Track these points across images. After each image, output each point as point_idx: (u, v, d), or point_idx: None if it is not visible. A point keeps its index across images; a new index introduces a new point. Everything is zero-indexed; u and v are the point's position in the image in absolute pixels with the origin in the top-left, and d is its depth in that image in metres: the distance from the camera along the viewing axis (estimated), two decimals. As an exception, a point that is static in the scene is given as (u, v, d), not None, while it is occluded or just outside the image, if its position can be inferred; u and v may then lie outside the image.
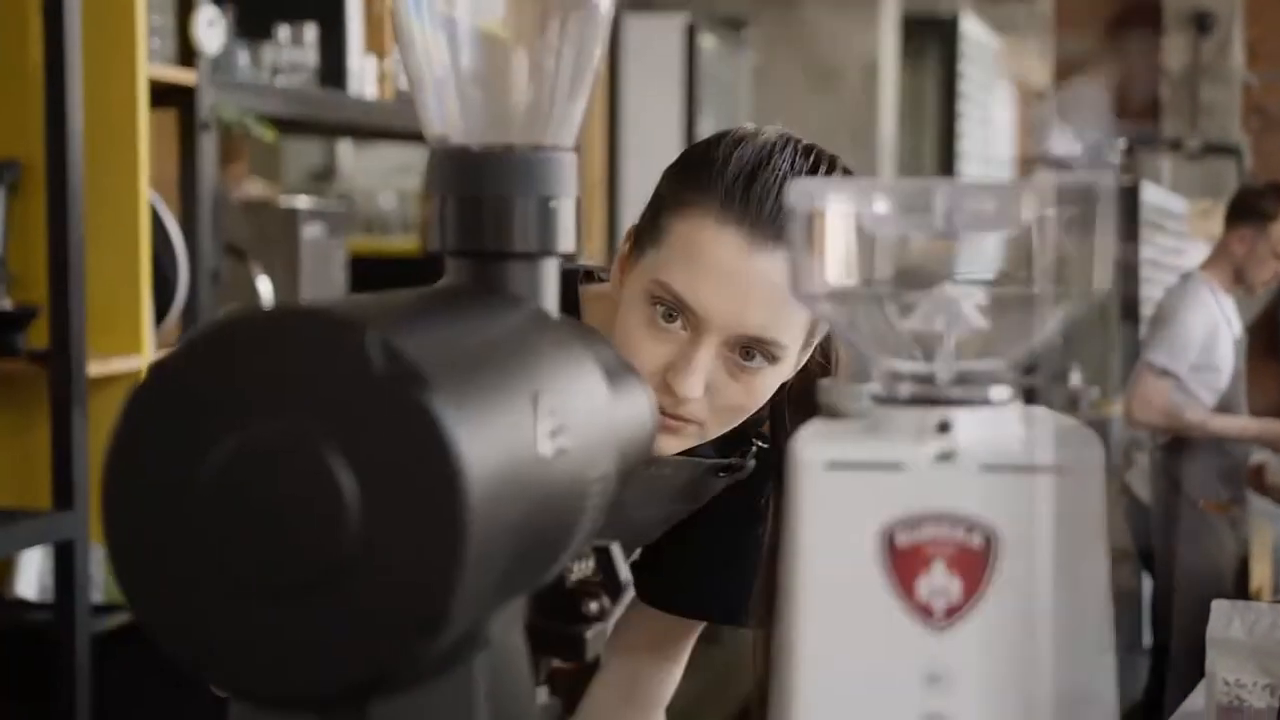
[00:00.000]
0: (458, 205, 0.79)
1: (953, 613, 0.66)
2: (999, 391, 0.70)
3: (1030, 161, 9.09)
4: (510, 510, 0.63)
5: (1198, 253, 8.27)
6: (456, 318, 0.70)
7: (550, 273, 0.81)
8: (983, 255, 0.71)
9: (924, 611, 0.67)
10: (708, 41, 4.88)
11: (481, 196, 0.79)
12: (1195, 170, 8.29)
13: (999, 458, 0.67)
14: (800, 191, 0.70)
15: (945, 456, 0.67)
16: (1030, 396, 0.72)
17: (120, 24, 2.43)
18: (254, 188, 3.44)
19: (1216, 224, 8.33)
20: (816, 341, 1.31)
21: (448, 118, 0.81)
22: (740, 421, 1.29)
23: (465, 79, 0.80)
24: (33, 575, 2.51)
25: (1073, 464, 0.67)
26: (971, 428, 0.68)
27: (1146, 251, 6.81)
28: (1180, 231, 7.61)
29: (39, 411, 2.37)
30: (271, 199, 3.16)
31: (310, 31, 2.98)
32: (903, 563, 0.67)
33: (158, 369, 0.62)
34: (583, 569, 0.85)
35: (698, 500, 1.42)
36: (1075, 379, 6.23)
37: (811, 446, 0.68)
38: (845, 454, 0.68)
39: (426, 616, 0.60)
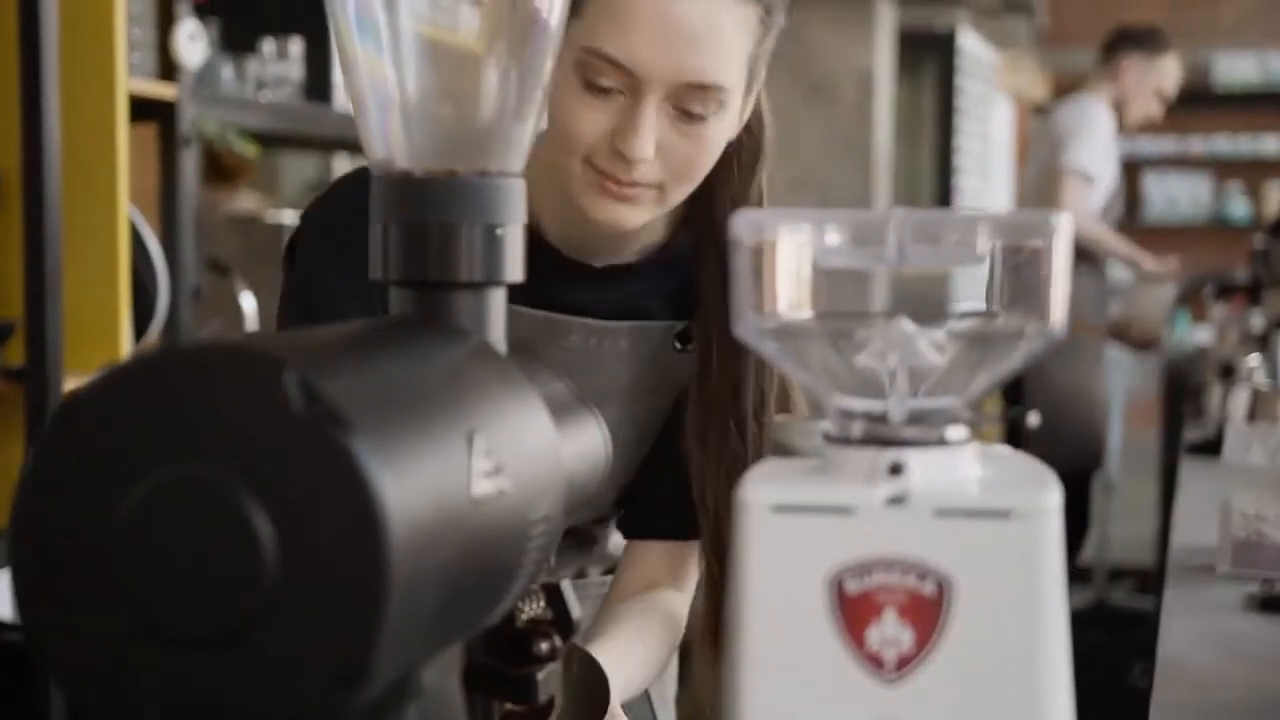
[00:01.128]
0: (401, 232, 0.76)
1: (905, 663, 0.64)
2: (955, 431, 0.67)
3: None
4: (439, 555, 0.61)
5: (1003, 104, 8.31)
6: (390, 353, 0.67)
7: (497, 303, 0.78)
8: (939, 288, 0.68)
9: (874, 662, 0.64)
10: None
11: (425, 224, 0.76)
12: (990, 24, 8.29)
13: (952, 501, 0.64)
14: (747, 222, 0.67)
15: (897, 500, 0.64)
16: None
17: (100, 37, 2.41)
18: (246, 201, 3.42)
19: (1023, 77, 8.37)
20: (757, 88, 1.27)
21: (391, 141, 0.78)
22: (698, 181, 1.25)
23: (409, 102, 0.78)
24: (8, 594, 2.49)
25: (1029, 508, 0.64)
26: (925, 469, 0.65)
27: (959, 100, 6.90)
28: (990, 81, 7.65)
29: (14, 429, 2.34)
30: (259, 214, 3.13)
31: (295, 45, 2.95)
32: (853, 611, 0.64)
33: (71, 404, 0.59)
34: (532, 607, 0.82)
35: (660, 387, 1.36)
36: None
37: (758, 488, 0.65)
38: (793, 497, 0.65)
39: (347, 667, 0.57)
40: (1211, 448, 2.68)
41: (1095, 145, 4.25)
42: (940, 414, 0.67)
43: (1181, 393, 4.59)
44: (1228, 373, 3.18)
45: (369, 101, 0.78)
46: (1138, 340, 4.67)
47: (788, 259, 0.67)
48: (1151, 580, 4.78)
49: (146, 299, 2.51)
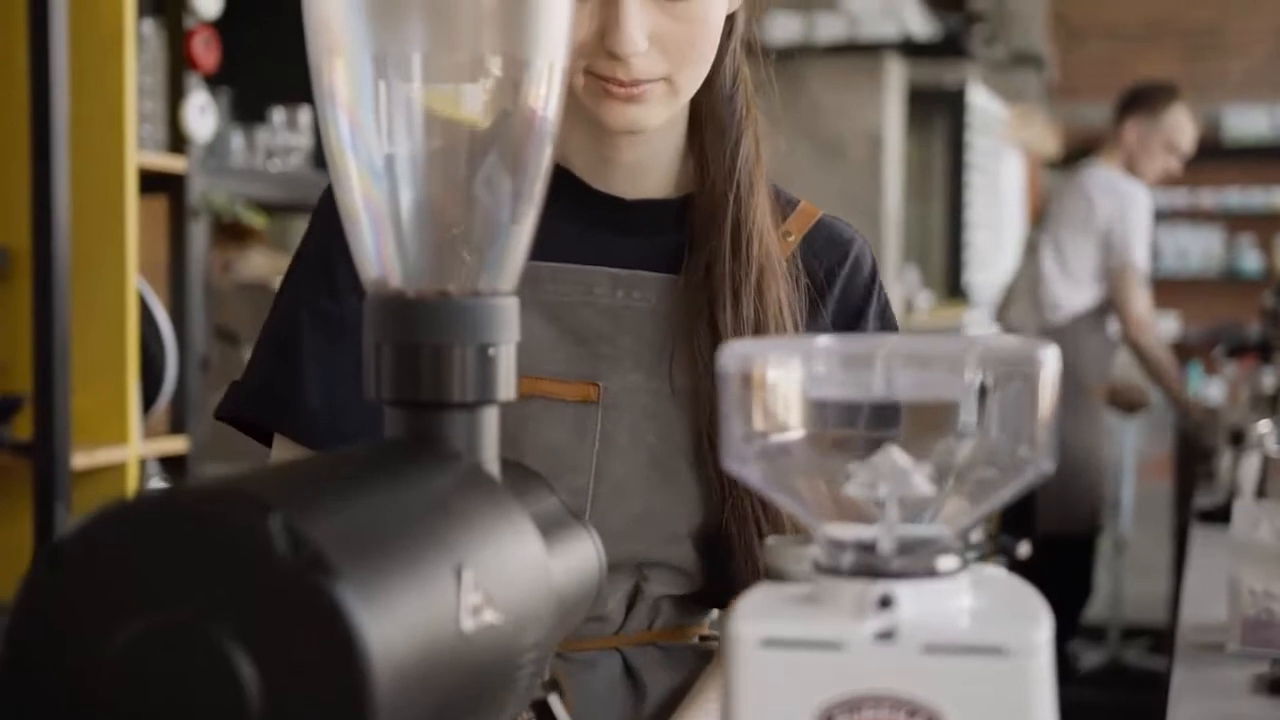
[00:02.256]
0: (394, 353, 0.77)
1: (895, 800, 0.63)
2: (945, 561, 0.66)
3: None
4: (427, 695, 0.60)
5: (1013, 158, 8.33)
6: (378, 486, 0.67)
7: (490, 422, 0.78)
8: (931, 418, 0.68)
9: (864, 799, 0.63)
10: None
11: (418, 345, 0.76)
12: (1000, 79, 8.30)
13: (942, 637, 0.63)
14: (734, 354, 0.67)
15: (886, 635, 0.64)
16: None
17: (110, 111, 2.42)
18: (259, 260, 3.42)
19: (1033, 131, 8.40)
20: None
21: (384, 261, 0.79)
22: (707, 66, 1.17)
23: (401, 221, 0.78)
24: None
25: (1020, 644, 0.63)
26: (915, 602, 0.65)
27: (969, 155, 6.91)
28: (1000, 135, 7.67)
29: (22, 504, 2.35)
30: (267, 280, 3.14)
31: (305, 115, 2.97)
32: (842, 747, 0.63)
33: (59, 545, 0.59)
34: (523, 724, 0.82)
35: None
36: (911, 278, 6.22)
37: (748, 622, 0.65)
38: (782, 630, 0.64)
39: (332, 814, 0.57)
40: (1222, 515, 2.67)
41: (1147, 236, 4.30)
42: (930, 544, 0.67)
43: (1192, 454, 4.57)
44: (1238, 439, 3.16)
45: (362, 220, 0.79)
46: (1126, 404, 4.67)
47: (775, 390, 0.67)
48: (1165, 640, 4.76)
49: (155, 371, 2.52)
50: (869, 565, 0.66)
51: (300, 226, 4.23)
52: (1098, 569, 4.51)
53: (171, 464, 2.67)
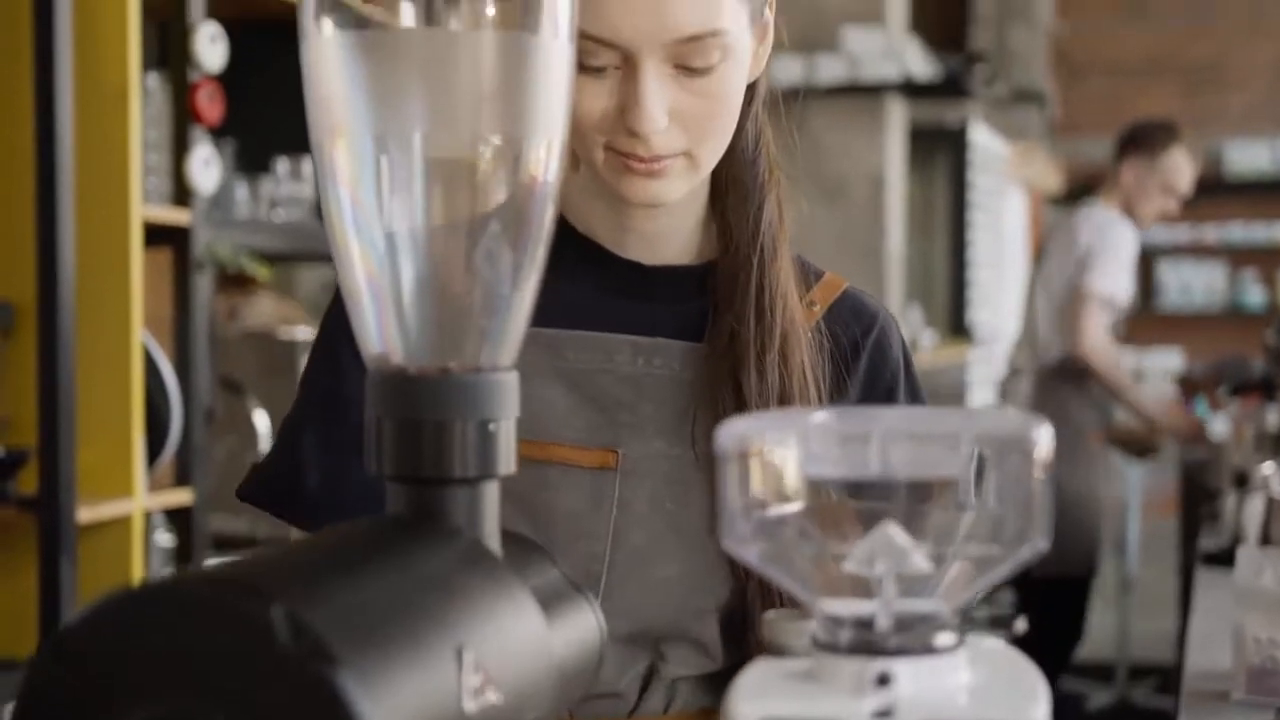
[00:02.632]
0: (395, 429, 0.77)
1: None
2: (943, 638, 0.67)
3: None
4: (428, 779, 0.61)
5: (1016, 196, 8.35)
6: (379, 566, 0.67)
7: (491, 496, 0.79)
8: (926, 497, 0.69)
9: None
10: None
11: (419, 420, 0.77)
12: (1002, 116, 8.31)
13: (941, 714, 0.64)
14: (731, 432, 0.68)
15: (884, 714, 0.64)
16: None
17: (115, 164, 2.44)
18: (266, 305, 3.43)
19: (1035, 168, 8.41)
20: (769, 17, 1.20)
21: (385, 338, 0.79)
22: (728, 138, 1.16)
23: (402, 298, 0.79)
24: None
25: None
26: (913, 679, 0.65)
27: (971, 194, 6.92)
28: (1002, 172, 7.68)
29: (28, 558, 2.35)
30: (272, 330, 3.15)
31: (308, 164, 2.99)
32: (842, 827, 0.64)
33: (58, 640, 0.60)
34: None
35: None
36: (914, 317, 6.22)
37: (748, 701, 0.66)
38: (780, 710, 0.65)
39: None
40: (1227, 558, 2.67)
41: (1119, 268, 4.28)
42: (928, 620, 0.67)
43: (1197, 492, 4.57)
44: (1242, 481, 3.16)
45: (364, 297, 0.79)
46: (1135, 448, 4.67)
47: (772, 468, 0.68)
48: (1173, 680, 4.74)
49: (160, 424, 2.53)
50: (867, 642, 0.67)
51: (304, 276, 4.26)
52: (1103, 608, 4.50)
53: (177, 516, 2.68)
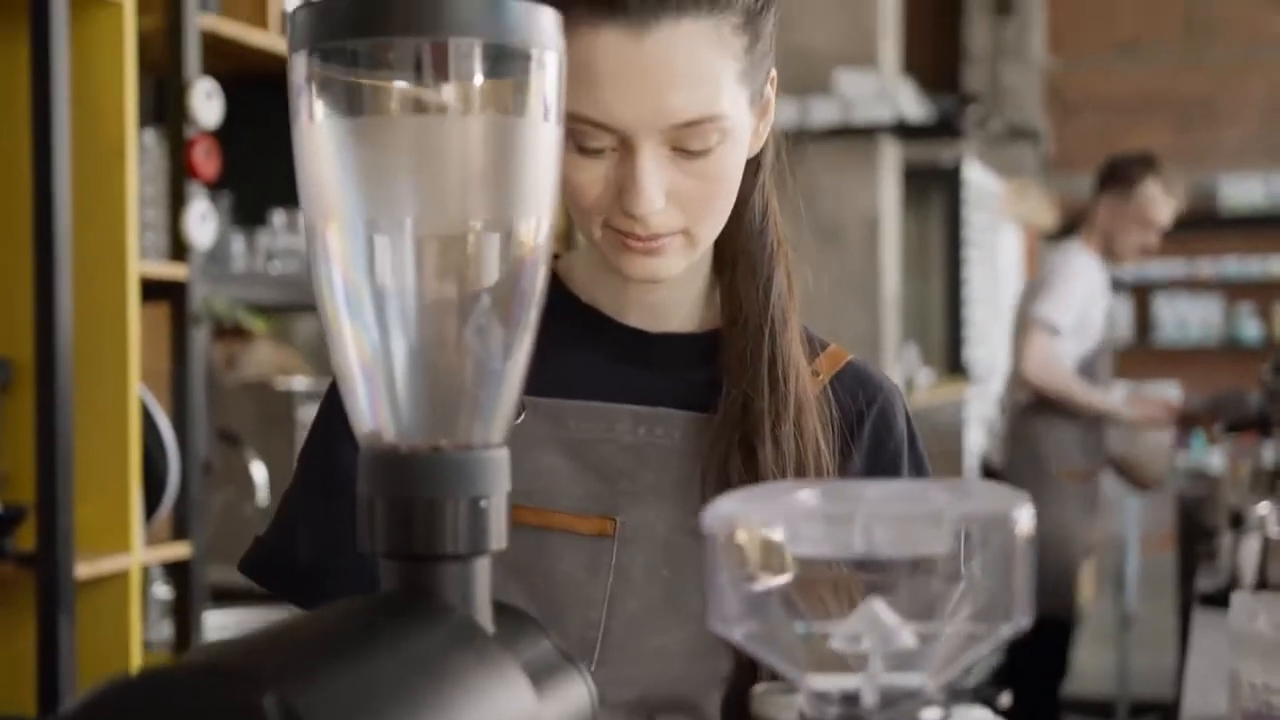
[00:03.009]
0: (387, 507, 0.78)
1: None
2: (929, 713, 0.68)
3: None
4: None
5: (1010, 232, 8.36)
6: (371, 648, 0.68)
7: (482, 572, 0.80)
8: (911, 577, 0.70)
9: None
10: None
11: (412, 499, 0.78)
12: (996, 154, 8.33)
13: (927, 791, 0.65)
14: (717, 514, 0.69)
15: (871, 791, 0.65)
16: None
17: (113, 220, 2.45)
18: (264, 353, 3.45)
19: (1030, 204, 8.42)
20: (769, 96, 1.20)
21: (377, 416, 0.80)
22: (725, 216, 1.16)
23: (394, 378, 0.80)
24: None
25: (1002, 799, 0.65)
26: (900, 756, 0.66)
27: (966, 231, 6.93)
28: (997, 210, 7.70)
29: (26, 614, 2.35)
30: (269, 380, 3.16)
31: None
32: None
33: (57, 726, 0.61)
34: None
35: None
36: (910, 355, 6.23)
37: (736, 779, 0.66)
38: (769, 788, 0.66)
39: None
40: (1223, 598, 2.67)
41: (1068, 297, 4.26)
42: (914, 695, 0.68)
43: (1194, 528, 4.57)
44: (1237, 521, 3.17)
45: (355, 375, 0.80)
46: (1139, 481, 4.68)
47: (759, 549, 0.69)
48: (1173, 717, 4.74)
49: (157, 478, 2.53)
50: (854, 717, 0.68)
51: (300, 326, 4.28)
52: (1102, 644, 4.48)
53: (175, 569, 2.68)
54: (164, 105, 2.70)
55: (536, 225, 0.80)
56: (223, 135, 2.72)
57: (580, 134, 1.11)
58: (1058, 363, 4.26)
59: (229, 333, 3.37)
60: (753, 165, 1.21)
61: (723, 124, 1.11)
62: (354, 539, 1.08)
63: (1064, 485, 4.27)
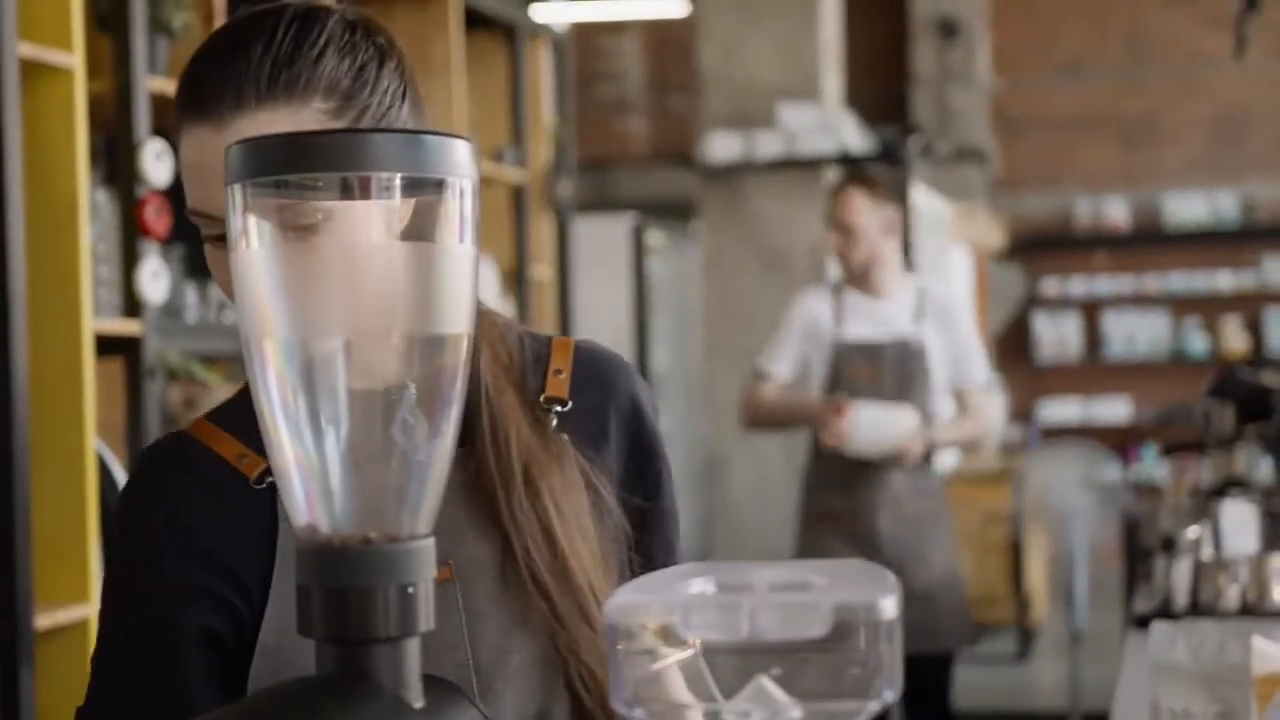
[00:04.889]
0: (323, 595, 0.86)
1: None
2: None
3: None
4: None
5: (961, 254, 8.49)
6: (307, 734, 0.76)
7: (412, 651, 0.87)
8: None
9: None
10: (654, 238, 5.00)
11: (345, 588, 0.85)
12: (944, 175, 8.45)
13: None
14: (616, 606, 0.77)
15: None
16: None
17: (66, 278, 2.51)
18: (220, 395, 3.49)
19: (978, 225, 8.53)
20: None
21: (313, 510, 0.88)
22: None
23: (327, 477, 0.87)
24: None
25: None
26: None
27: (914, 255, 7.01)
28: (946, 232, 7.81)
29: (-15, 666, 2.41)
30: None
31: (256, 267, 3.08)
32: None
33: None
34: None
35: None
36: None
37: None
38: None
39: None
40: (1157, 620, 2.75)
41: (777, 343, 4.18)
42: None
43: (1138, 547, 4.65)
44: (1168, 545, 3.25)
45: (292, 474, 0.88)
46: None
47: (655, 635, 0.77)
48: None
49: (113, 529, 2.59)
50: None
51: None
52: (1054, 658, 4.53)
53: (133, 615, 2.74)
54: (115, 165, 2.76)
55: (456, 332, 0.88)
56: (173, 188, 2.79)
57: (203, 225, 1.17)
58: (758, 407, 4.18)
59: (187, 376, 3.42)
60: None
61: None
62: (186, 689, 1.14)
63: (816, 529, 4.13)
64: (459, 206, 0.86)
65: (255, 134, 1.12)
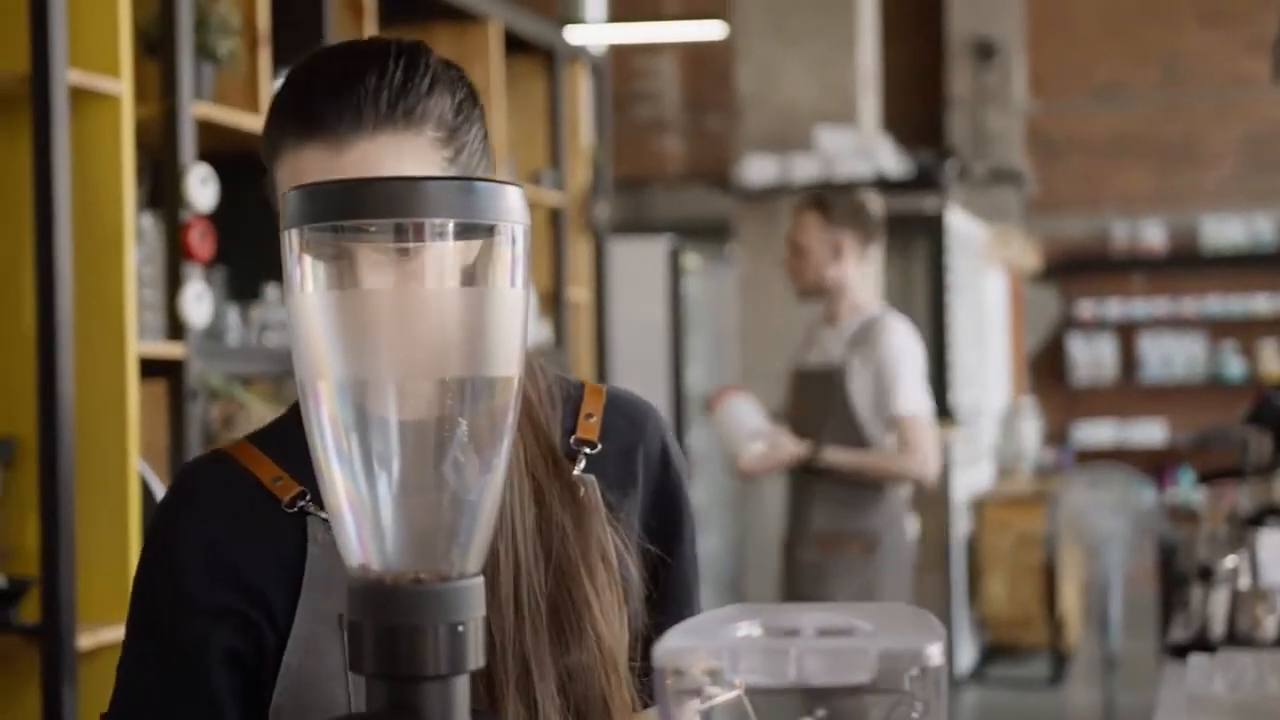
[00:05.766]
0: (374, 633, 0.87)
1: None
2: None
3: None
4: None
5: (996, 276, 8.46)
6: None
7: (461, 689, 0.88)
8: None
9: None
10: (691, 260, 5.01)
11: (396, 625, 0.87)
12: (980, 197, 8.42)
13: None
14: (666, 650, 0.78)
15: None
16: None
17: (111, 302, 2.54)
18: (258, 414, 3.52)
19: (1013, 248, 8.48)
20: None
21: (365, 550, 0.89)
22: None
23: (380, 519, 0.89)
24: None
25: None
26: None
27: (950, 277, 6.99)
28: (981, 254, 7.79)
29: (30, 685, 2.43)
30: (263, 445, 3.24)
31: (297, 289, 3.10)
32: None
33: None
34: None
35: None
36: None
37: None
38: None
39: None
40: (1194, 649, 2.74)
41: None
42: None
43: (1173, 573, 4.63)
44: (1207, 573, 3.24)
45: (345, 514, 0.90)
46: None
47: (706, 678, 0.78)
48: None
49: (156, 549, 2.62)
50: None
51: (292, 385, 4.35)
52: (1088, 683, 4.52)
53: (173, 635, 2.76)
54: (160, 190, 2.80)
55: (507, 374, 0.90)
56: (217, 211, 2.81)
57: None
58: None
59: (223, 395, 3.45)
60: None
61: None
62: (211, 703, 1.15)
63: (822, 559, 4.07)
64: (511, 251, 0.88)
65: (374, 156, 1.17)
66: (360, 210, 0.86)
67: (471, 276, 0.88)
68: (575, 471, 1.29)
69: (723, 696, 0.79)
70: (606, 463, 1.31)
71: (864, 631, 0.79)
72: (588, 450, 1.30)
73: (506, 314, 0.89)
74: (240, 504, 1.26)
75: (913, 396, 3.93)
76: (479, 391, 0.89)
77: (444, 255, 0.86)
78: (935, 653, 0.76)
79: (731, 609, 0.85)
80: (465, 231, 0.87)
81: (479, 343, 0.88)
